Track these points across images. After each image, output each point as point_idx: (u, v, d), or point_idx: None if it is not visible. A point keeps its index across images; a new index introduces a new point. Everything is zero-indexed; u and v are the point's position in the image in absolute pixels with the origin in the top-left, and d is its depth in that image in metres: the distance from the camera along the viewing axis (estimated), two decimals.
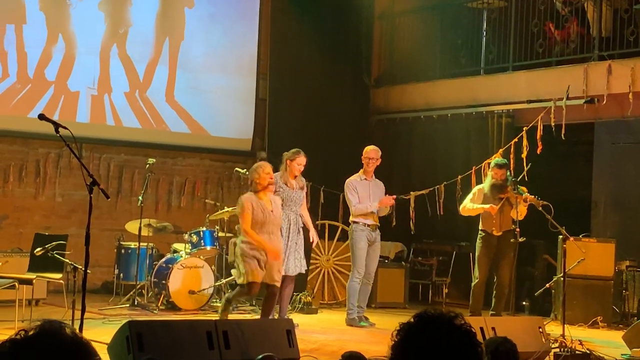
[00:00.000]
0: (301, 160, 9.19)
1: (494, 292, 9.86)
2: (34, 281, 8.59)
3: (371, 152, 9.94)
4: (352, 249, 9.85)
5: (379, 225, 9.94)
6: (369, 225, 9.80)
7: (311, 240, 9.40)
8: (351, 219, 9.89)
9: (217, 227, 10.70)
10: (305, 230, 9.33)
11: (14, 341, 1.77)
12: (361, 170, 9.96)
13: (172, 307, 10.08)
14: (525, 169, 10.51)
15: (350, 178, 9.96)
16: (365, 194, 9.86)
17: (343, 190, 10.09)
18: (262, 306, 8.37)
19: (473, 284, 9.93)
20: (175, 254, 10.56)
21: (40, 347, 1.76)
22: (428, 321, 2.09)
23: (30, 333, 1.77)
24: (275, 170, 9.25)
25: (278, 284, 8.33)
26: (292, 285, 9.27)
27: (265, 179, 8.28)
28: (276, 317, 8.80)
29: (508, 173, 9.92)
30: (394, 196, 10.15)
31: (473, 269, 10.37)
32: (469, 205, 9.91)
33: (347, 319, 9.79)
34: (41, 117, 6.43)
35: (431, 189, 11.95)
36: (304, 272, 9.42)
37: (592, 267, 10.29)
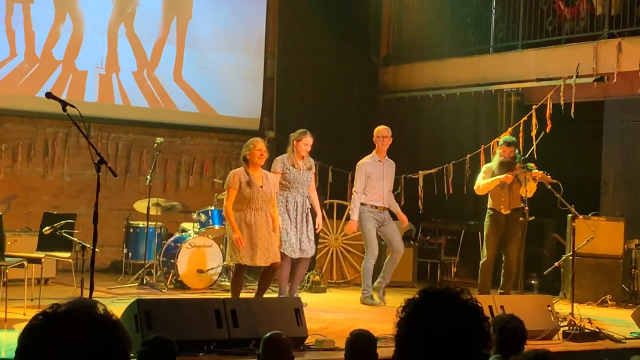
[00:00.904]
0: (308, 141, 9.14)
1: (502, 270, 9.85)
2: (42, 260, 8.61)
3: (384, 131, 9.88)
4: (362, 231, 9.83)
5: (387, 207, 9.91)
6: (376, 207, 9.76)
7: (316, 227, 9.36)
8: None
9: None
10: (313, 214, 9.30)
11: (46, 314, 1.78)
12: (374, 151, 9.90)
13: (180, 286, 10.10)
14: (534, 144, 10.47)
15: (364, 160, 9.87)
16: (379, 176, 9.78)
17: (352, 169, 10.05)
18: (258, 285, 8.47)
19: (481, 262, 9.92)
20: (183, 233, 10.58)
21: (71, 322, 1.77)
22: (433, 296, 2.06)
23: (63, 308, 1.78)
24: (283, 151, 9.24)
25: (267, 264, 8.33)
26: (304, 266, 9.27)
27: (255, 154, 8.28)
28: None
29: (517, 151, 9.87)
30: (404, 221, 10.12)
31: (481, 248, 10.36)
32: (483, 182, 9.82)
33: (361, 298, 9.78)
34: (48, 95, 6.42)
35: (440, 168, 11.92)
36: (308, 257, 9.33)
37: (601, 245, 10.26)
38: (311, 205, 9.32)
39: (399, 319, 2.07)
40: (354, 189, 9.86)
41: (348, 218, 11.63)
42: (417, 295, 2.08)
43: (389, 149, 10.00)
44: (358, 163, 9.89)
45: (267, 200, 8.36)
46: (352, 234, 10.54)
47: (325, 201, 10.61)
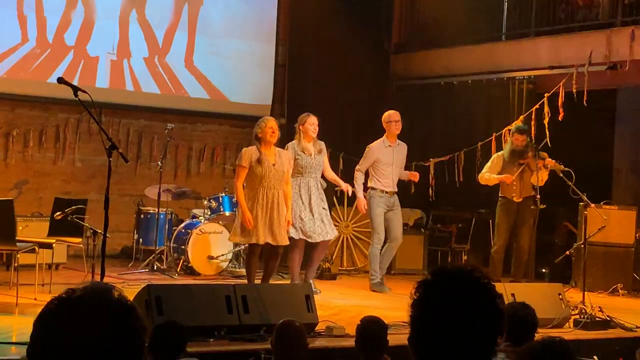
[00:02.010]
0: (312, 120, 9.17)
1: (513, 258, 9.83)
2: (54, 245, 8.64)
3: (394, 115, 9.85)
4: (370, 216, 9.83)
5: (397, 191, 9.90)
6: (386, 192, 9.76)
7: (346, 190, 9.51)
8: (369, 184, 9.85)
9: None
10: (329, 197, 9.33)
11: (61, 299, 1.78)
12: (385, 135, 9.87)
13: (191, 272, 10.12)
14: (547, 133, 10.43)
15: (374, 143, 9.87)
16: (388, 161, 9.76)
17: (361, 157, 10.03)
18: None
19: (493, 250, 9.91)
20: (194, 220, 10.58)
21: (86, 307, 1.77)
22: (446, 276, 2.08)
23: (78, 293, 1.78)
24: (293, 137, 9.22)
25: (274, 243, 8.35)
26: (321, 251, 9.28)
27: (267, 132, 8.34)
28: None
29: (528, 139, 9.84)
30: (415, 175, 10.10)
31: (492, 236, 10.34)
32: (487, 175, 9.87)
33: (370, 285, 9.79)
34: (60, 80, 6.42)
35: (451, 155, 11.89)
36: (331, 238, 9.35)
37: (612, 234, 10.23)
38: (332, 181, 9.38)
39: (412, 300, 2.07)
40: (356, 167, 9.84)
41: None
42: (430, 276, 2.09)
43: (401, 135, 9.99)
44: (368, 146, 9.88)
45: (279, 178, 8.38)
46: (363, 216, 10.48)
47: (336, 188, 10.59)
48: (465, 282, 2.05)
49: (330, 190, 10.15)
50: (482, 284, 2.06)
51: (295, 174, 9.00)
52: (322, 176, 9.47)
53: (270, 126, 8.39)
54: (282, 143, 9.07)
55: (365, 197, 9.79)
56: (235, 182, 8.40)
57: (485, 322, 2.02)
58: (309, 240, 9.03)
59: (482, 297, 2.04)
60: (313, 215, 9.05)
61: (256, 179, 8.30)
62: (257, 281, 8.44)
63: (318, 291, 9.01)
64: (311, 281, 9.00)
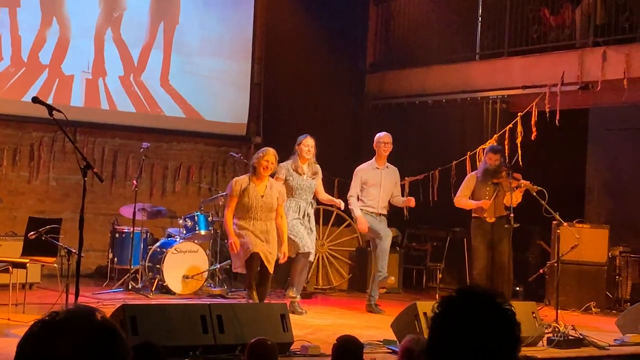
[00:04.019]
0: (307, 142, 9.21)
1: (496, 278, 9.80)
2: (27, 265, 8.58)
3: (385, 137, 9.82)
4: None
5: (385, 214, 9.84)
6: (371, 213, 9.70)
7: (339, 204, 9.57)
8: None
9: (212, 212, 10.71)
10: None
11: (44, 322, 1.78)
12: (374, 157, 9.82)
13: (166, 291, 10.08)
14: (519, 155, 10.50)
15: (362, 166, 9.84)
16: (375, 183, 9.70)
17: (337, 175, 10.04)
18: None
19: (475, 272, 9.84)
20: (169, 239, 10.56)
21: (70, 330, 1.77)
22: (470, 297, 2.11)
23: (61, 315, 1.79)
24: (282, 159, 9.23)
25: (266, 262, 8.38)
26: (303, 263, 9.25)
27: (261, 164, 8.34)
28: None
29: (502, 159, 9.90)
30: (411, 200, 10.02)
31: (469, 257, 10.35)
32: (463, 201, 9.85)
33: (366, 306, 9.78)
34: (35, 99, 6.42)
35: (426, 174, 11.95)
36: (308, 251, 9.27)
37: (585, 252, 10.31)
38: (325, 202, 9.53)
39: (433, 314, 2.11)
40: (348, 194, 9.78)
41: (334, 224, 11.68)
42: (455, 294, 2.13)
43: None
44: (356, 168, 9.86)
45: (267, 210, 8.39)
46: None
47: (313, 207, 10.61)
48: (488, 305, 2.09)
49: None
50: (504, 309, 2.10)
51: (287, 196, 8.99)
52: (315, 198, 9.48)
53: (266, 159, 8.39)
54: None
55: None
56: (225, 212, 8.44)
57: (500, 347, 2.07)
58: (305, 250, 9.08)
59: (502, 323, 2.08)
60: (304, 227, 9.08)
61: (244, 209, 8.35)
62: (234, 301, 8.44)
63: (304, 311, 9.03)
64: (297, 302, 9.06)
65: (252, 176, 8.38)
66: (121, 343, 1.81)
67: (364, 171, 9.74)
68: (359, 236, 11.41)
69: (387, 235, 9.75)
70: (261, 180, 8.39)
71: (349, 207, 9.76)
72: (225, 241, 9.06)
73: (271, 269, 8.45)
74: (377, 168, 9.76)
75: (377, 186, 9.70)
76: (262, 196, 8.34)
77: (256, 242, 8.29)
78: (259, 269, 8.37)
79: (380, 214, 9.75)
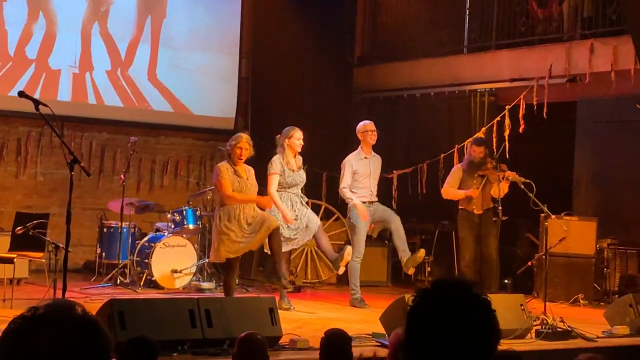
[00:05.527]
0: (299, 135, 9.00)
1: (483, 270, 9.82)
2: (15, 260, 8.55)
3: (369, 125, 9.67)
4: (352, 229, 9.64)
5: (377, 200, 9.77)
6: (364, 202, 9.60)
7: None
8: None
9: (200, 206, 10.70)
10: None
11: (24, 317, 1.78)
12: (359, 148, 9.71)
13: (154, 286, 10.06)
14: (507, 148, 10.51)
15: (350, 156, 9.71)
16: (365, 173, 9.62)
17: (326, 169, 9.99)
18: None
19: (462, 264, 9.86)
20: (157, 233, 10.54)
21: (50, 325, 1.77)
22: (445, 288, 2.10)
23: (41, 310, 1.78)
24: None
25: (254, 248, 8.45)
26: (323, 237, 9.21)
27: (235, 153, 8.24)
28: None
29: (487, 151, 9.90)
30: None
31: (457, 250, 10.37)
32: (452, 191, 9.87)
33: (350, 300, 9.63)
34: (21, 94, 6.40)
35: (414, 167, 11.96)
36: (316, 230, 9.16)
37: (573, 245, 10.34)
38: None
39: (409, 307, 2.09)
40: (341, 186, 9.65)
41: (322, 218, 11.66)
42: (430, 286, 2.12)
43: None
44: (344, 160, 9.75)
45: (254, 192, 8.38)
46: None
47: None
48: (463, 295, 2.08)
49: None
50: (480, 299, 2.09)
51: (279, 189, 8.94)
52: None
53: (240, 146, 8.24)
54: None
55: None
56: (225, 193, 8.12)
57: (478, 336, 2.06)
58: (306, 239, 9.09)
59: (478, 312, 2.07)
60: (300, 219, 9.01)
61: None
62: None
63: (292, 307, 8.99)
64: (286, 298, 9.03)
65: (229, 162, 8.29)
66: (102, 336, 1.81)
67: (354, 162, 9.65)
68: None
69: (391, 214, 9.72)
70: (239, 165, 8.31)
71: (345, 197, 9.63)
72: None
73: (268, 248, 8.46)
74: (365, 157, 9.67)
75: (367, 176, 9.64)
76: (247, 179, 8.30)
77: (237, 248, 8.22)
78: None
79: (372, 202, 9.69)
